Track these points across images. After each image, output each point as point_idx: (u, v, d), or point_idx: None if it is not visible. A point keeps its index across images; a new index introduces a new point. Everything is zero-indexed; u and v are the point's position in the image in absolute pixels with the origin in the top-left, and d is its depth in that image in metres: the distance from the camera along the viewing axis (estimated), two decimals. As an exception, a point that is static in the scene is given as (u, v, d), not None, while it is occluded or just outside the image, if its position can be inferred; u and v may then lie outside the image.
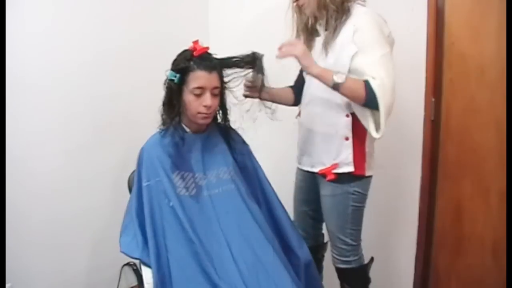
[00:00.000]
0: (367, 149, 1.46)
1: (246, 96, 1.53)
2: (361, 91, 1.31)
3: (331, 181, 1.45)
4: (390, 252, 1.62)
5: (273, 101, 1.59)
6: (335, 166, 1.44)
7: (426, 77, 1.78)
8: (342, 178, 1.45)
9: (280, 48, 1.38)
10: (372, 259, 1.59)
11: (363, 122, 1.38)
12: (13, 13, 1.62)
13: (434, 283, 1.91)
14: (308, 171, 1.57)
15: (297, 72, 1.66)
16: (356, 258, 1.54)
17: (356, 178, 1.46)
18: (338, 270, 1.58)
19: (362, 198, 1.49)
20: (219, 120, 1.50)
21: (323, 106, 1.46)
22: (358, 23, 1.35)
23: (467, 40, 1.72)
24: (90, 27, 1.88)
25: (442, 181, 1.85)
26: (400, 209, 1.70)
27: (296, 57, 1.36)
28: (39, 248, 1.79)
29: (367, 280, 1.59)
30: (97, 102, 1.92)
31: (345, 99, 1.39)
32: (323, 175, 1.47)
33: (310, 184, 1.59)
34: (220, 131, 1.49)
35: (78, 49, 1.85)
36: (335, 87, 1.32)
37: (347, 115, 1.42)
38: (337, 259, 1.55)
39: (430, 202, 1.88)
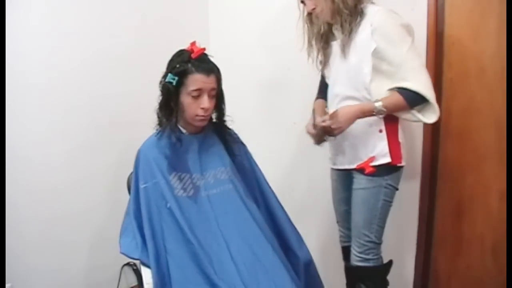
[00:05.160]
0: (400, 140, 1.48)
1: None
2: (401, 102, 1.36)
3: (369, 174, 1.46)
4: (390, 252, 1.62)
5: None
6: (372, 159, 1.46)
7: (426, 77, 1.78)
8: (378, 171, 1.46)
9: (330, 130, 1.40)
10: (391, 262, 1.59)
11: (413, 119, 1.42)
12: (13, 12, 1.62)
13: (434, 283, 1.91)
14: (343, 170, 1.59)
15: (300, 75, 1.65)
16: (376, 257, 1.54)
17: (391, 170, 1.47)
18: (356, 269, 1.56)
19: (392, 193, 1.51)
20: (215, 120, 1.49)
21: (353, 104, 1.46)
22: (375, 22, 1.37)
23: (467, 40, 1.71)
24: (90, 28, 1.88)
25: (442, 181, 1.84)
26: (400, 209, 1.70)
27: (343, 128, 1.40)
28: (39, 248, 1.79)
29: (386, 283, 1.58)
30: (97, 102, 1.92)
31: (372, 94, 1.41)
32: (361, 169, 1.48)
33: (346, 182, 1.60)
34: (217, 132, 1.49)
35: (78, 49, 1.85)
36: (382, 114, 1.38)
37: None
38: (358, 256, 1.54)
39: (430, 202, 1.87)
